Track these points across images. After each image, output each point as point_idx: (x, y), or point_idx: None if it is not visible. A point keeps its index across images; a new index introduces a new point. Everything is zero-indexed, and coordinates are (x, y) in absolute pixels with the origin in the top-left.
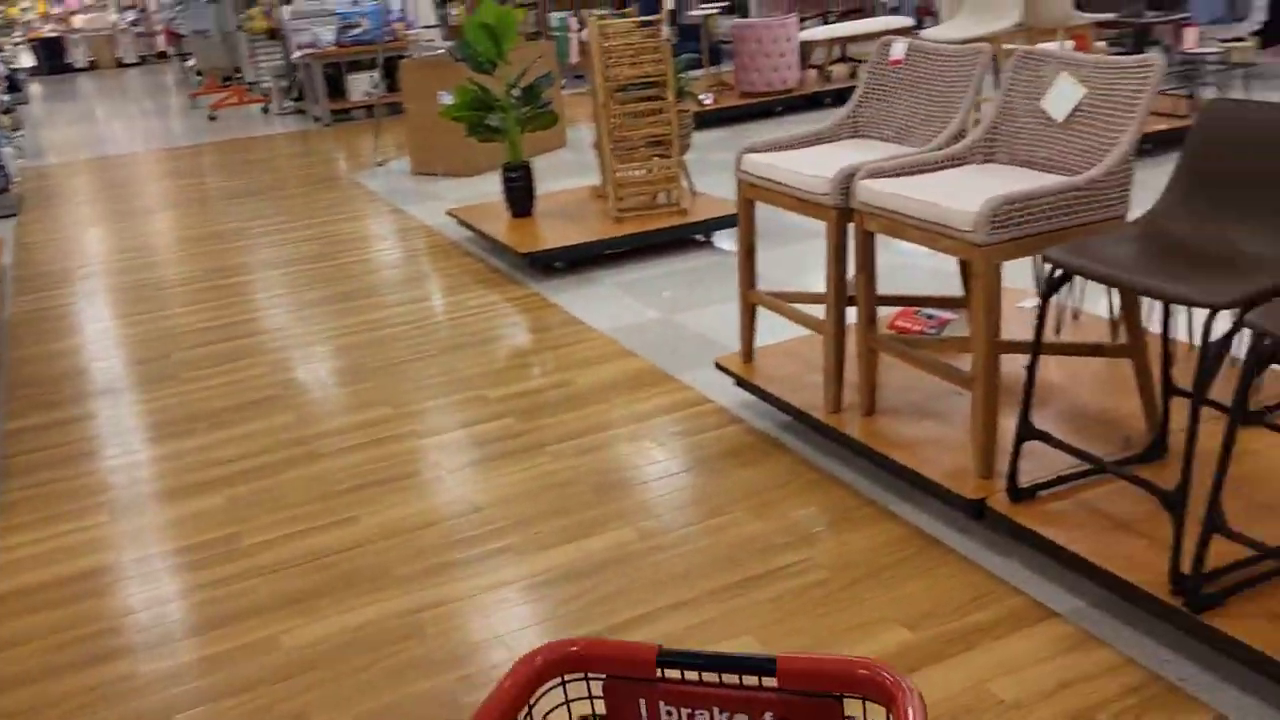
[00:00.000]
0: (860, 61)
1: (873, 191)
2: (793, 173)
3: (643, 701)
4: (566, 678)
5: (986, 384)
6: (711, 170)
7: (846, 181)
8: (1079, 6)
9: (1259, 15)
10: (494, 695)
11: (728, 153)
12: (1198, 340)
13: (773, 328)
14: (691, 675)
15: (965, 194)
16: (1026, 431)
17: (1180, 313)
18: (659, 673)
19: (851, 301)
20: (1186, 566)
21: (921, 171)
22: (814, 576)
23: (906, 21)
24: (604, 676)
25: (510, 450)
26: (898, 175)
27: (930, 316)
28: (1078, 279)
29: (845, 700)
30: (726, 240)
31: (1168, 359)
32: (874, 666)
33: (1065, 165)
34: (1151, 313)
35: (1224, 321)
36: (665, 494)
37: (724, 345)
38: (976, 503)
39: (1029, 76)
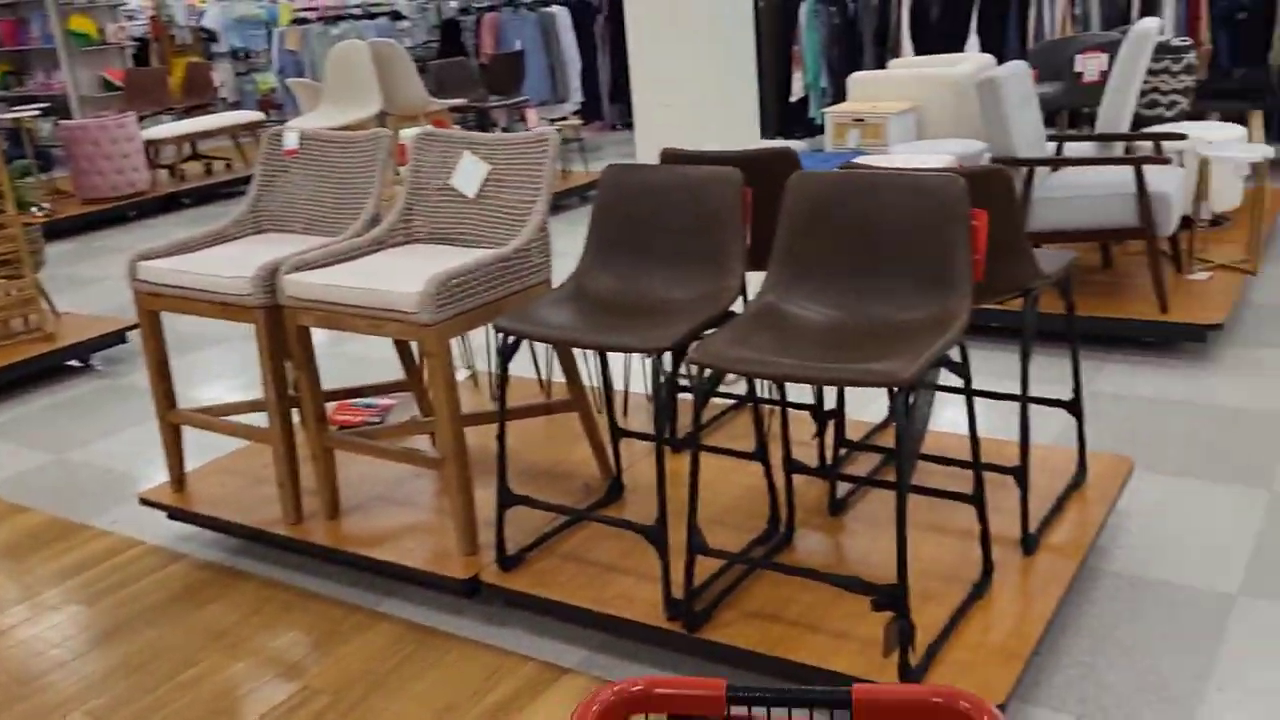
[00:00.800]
0: (214, 159)
1: (303, 285)
2: (205, 276)
3: None
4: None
5: (458, 461)
6: (70, 287)
7: (270, 278)
8: (433, 93)
9: (577, 96)
10: None
11: (81, 265)
12: (635, 386)
13: (201, 447)
14: (760, 712)
15: (402, 276)
16: (506, 499)
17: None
18: (727, 710)
19: (292, 403)
20: (678, 591)
21: (348, 259)
22: (317, 704)
23: (256, 115)
24: (665, 717)
25: None
26: (325, 266)
27: (370, 405)
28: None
29: None
30: (105, 361)
31: (611, 406)
32: (955, 693)
33: (487, 238)
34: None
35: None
36: (115, 661)
37: (141, 477)
38: (469, 581)
39: (434, 157)
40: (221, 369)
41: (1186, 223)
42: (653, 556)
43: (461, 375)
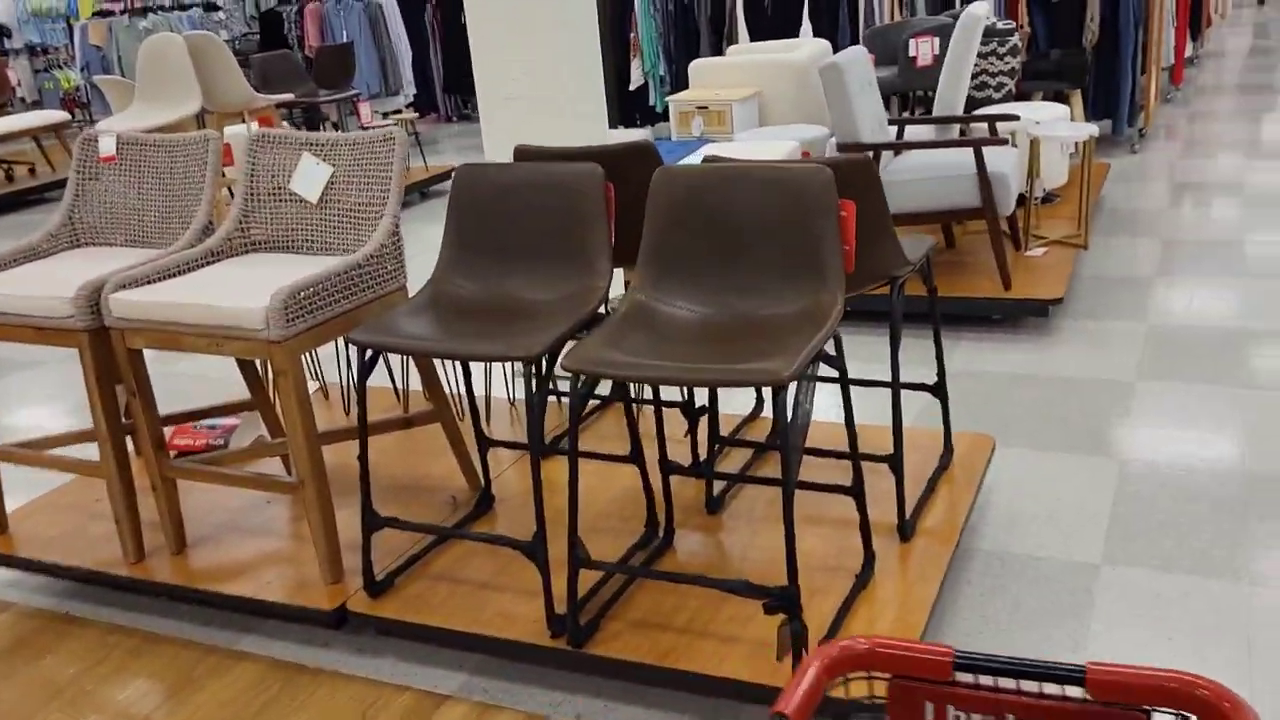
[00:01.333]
0: (15, 163)
1: (132, 304)
2: (19, 297)
3: (930, 705)
4: (849, 676)
5: (318, 484)
6: None
7: (94, 297)
8: (257, 88)
9: (410, 88)
10: (788, 692)
11: None
12: (495, 391)
13: (22, 483)
14: (985, 681)
15: (245, 290)
16: (373, 521)
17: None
18: (953, 675)
19: (125, 430)
20: (560, 606)
21: (181, 273)
22: None
23: (61, 115)
24: (888, 676)
25: None
26: (156, 281)
27: (212, 427)
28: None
29: (1154, 714)
30: None
31: (477, 415)
32: (1193, 680)
33: (334, 245)
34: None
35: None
36: None
37: None
38: (335, 611)
39: (270, 160)
40: (36, 396)
41: (1020, 201)
42: (530, 571)
43: (309, 389)
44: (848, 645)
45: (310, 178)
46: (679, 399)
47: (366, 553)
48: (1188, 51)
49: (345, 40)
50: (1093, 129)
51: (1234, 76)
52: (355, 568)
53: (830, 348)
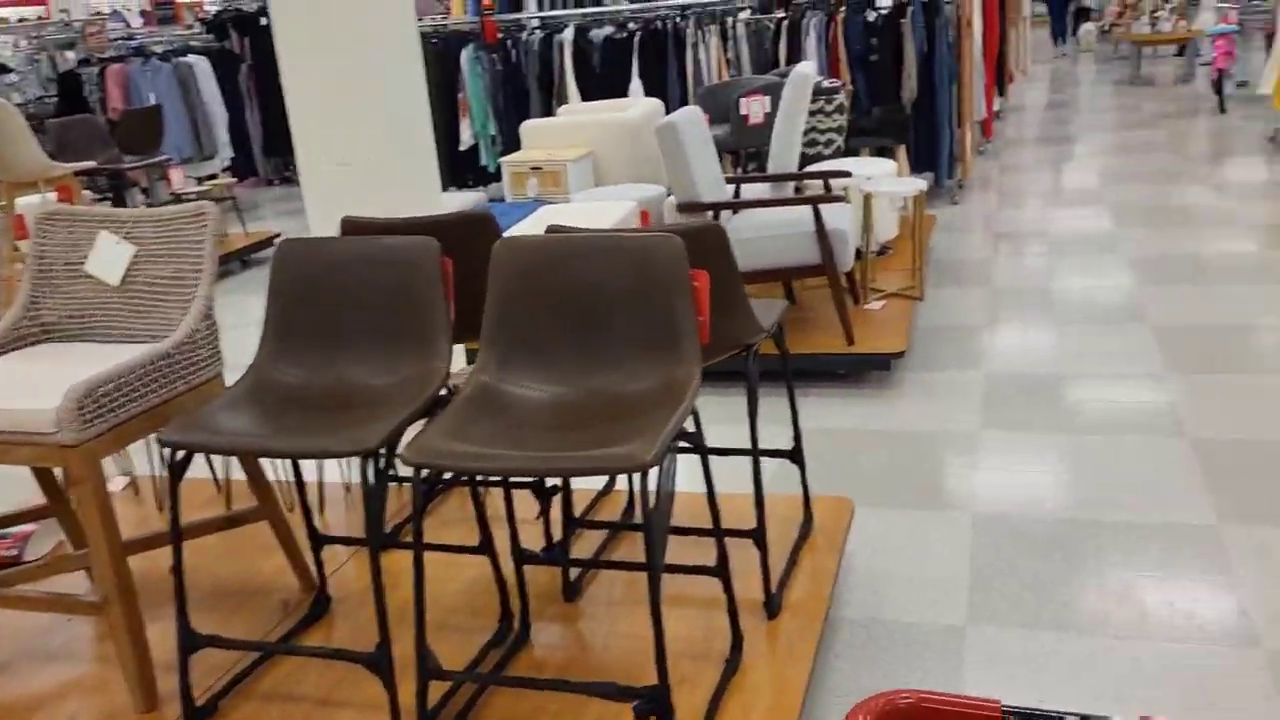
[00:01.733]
0: None
1: None
2: None
3: None
4: None
5: (124, 603)
6: None
7: None
8: (53, 155)
9: (226, 151)
10: None
11: None
12: (328, 475)
13: None
14: None
15: (33, 387)
16: (190, 641)
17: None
18: None
19: None
20: None
21: None
22: None
23: None
24: None
25: None
26: None
27: (4, 536)
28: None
29: None
30: None
31: (308, 512)
32: None
33: (140, 332)
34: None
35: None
36: None
37: None
38: None
39: (63, 238)
40: None
41: (857, 255)
42: (373, 682)
43: (118, 484)
44: (891, 699)
45: (109, 258)
46: (529, 479)
47: (184, 675)
48: (996, 106)
49: (153, 103)
50: (922, 184)
51: (1035, 130)
52: (173, 691)
53: (689, 423)
